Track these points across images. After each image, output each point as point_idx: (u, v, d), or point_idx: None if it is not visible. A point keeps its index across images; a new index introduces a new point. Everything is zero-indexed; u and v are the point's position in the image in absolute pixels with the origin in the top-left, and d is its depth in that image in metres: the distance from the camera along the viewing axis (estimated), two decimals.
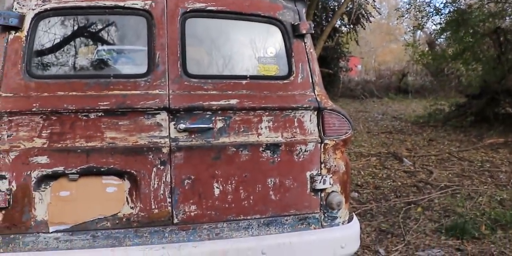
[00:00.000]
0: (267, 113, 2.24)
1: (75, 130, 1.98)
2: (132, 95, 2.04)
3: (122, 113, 2.03)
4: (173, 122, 2.09)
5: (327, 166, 2.34)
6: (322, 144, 2.32)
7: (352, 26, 12.21)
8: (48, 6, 1.99)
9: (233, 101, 2.17)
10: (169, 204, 2.09)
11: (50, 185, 1.99)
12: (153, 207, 2.07)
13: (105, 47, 2.14)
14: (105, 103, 2.00)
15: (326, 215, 2.34)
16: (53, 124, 1.96)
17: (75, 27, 2.08)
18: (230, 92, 2.19)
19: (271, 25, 2.30)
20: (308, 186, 2.30)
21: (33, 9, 1.97)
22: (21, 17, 1.94)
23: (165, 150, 2.07)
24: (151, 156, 2.06)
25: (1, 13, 1.90)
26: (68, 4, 2.01)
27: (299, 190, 2.30)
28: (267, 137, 2.23)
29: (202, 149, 2.13)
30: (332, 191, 2.36)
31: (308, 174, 2.31)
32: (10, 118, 1.92)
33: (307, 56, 2.34)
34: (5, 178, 1.91)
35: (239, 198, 2.19)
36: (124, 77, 2.08)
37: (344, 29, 12.75)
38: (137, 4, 2.08)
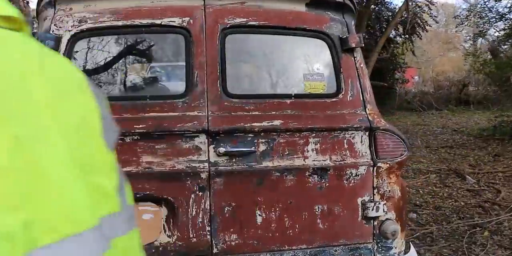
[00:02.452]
0: (313, 135, 2.04)
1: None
2: (169, 117, 1.93)
3: (159, 136, 1.92)
4: (212, 146, 1.95)
5: (380, 192, 2.09)
6: (375, 168, 2.08)
7: (407, 36, 11.68)
8: (84, 26, 1.93)
9: (277, 122, 2.00)
10: (208, 233, 1.94)
11: None
12: (191, 236, 1.93)
13: (143, 67, 2.06)
14: (141, 126, 1.90)
15: (379, 245, 2.09)
16: None
17: (111, 48, 2.02)
18: (273, 113, 2.01)
19: (317, 39, 2.11)
20: (360, 214, 2.07)
21: (69, 31, 1.93)
22: (58, 39, 1.90)
23: (203, 176, 1.93)
24: (189, 182, 1.93)
25: (39, 35, 1.88)
26: (104, 24, 1.94)
27: (349, 218, 2.06)
28: (314, 160, 2.03)
29: (244, 174, 1.97)
30: (387, 219, 2.10)
31: (359, 200, 2.07)
32: None
33: (357, 71, 2.12)
34: None
35: (283, 226, 2.00)
36: (161, 98, 1.97)
37: (399, 39, 12.22)
38: (175, 21, 1.98)
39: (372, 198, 2.08)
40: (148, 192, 1.91)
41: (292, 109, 2.04)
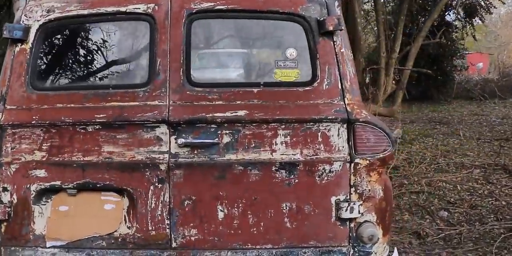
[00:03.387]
0: (283, 126, 1.86)
1: (73, 144, 1.86)
2: (130, 106, 1.85)
3: (119, 126, 1.85)
4: (173, 136, 1.85)
5: (358, 191, 1.87)
6: (352, 164, 1.86)
7: (468, 20, 10.69)
8: (52, 16, 1.89)
9: (242, 113, 1.84)
10: (167, 226, 1.85)
11: (51, 199, 1.90)
12: (150, 228, 1.85)
13: (107, 56, 1.98)
14: (101, 115, 1.84)
15: (356, 249, 1.88)
16: (53, 137, 1.86)
17: (77, 37, 1.97)
18: (238, 102, 1.86)
19: (292, 22, 1.91)
20: (333, 214, 1.87)
21: (38, 21, 1.90)
22: (26, 29, 1.88)
23: (163, 167, 1.84)
24: (148, 173, 1.84)
25: (6, 26, 1.86)
26: (71, 13, 1.89)
27: (321, 218, 1.87)
28: (282, 154, 1.86)
29: (205, 166, 1.85)
30: (365, 221, 1.88)
31: (333, 199, 1.87)
32: (14, 131, 1.86)
33: (336, 57, 1.90)
34: (7, 190, 1.86)
35: (247, 224, 1.86)
36: (123, 87, 1.89)
37: (458, 23, 11.22)
38: (140, 8, 1.88)
39: (348, 198, 1.87)
40: (107, 183, 1.86)
41: (260, 99, 1.87)
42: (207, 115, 1.84)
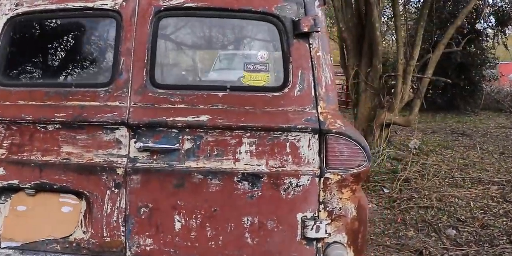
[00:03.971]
0: (248, 134, 1.71)
1: (33, 142, 1.78)
2: (90, 106, 1.75)
3: (79, 126, 1.75)
4: (133, 140, 1.73)
5: (327, 208, 1.70)
6: (322, 179, 1.69)
7: (500, 28, 10.14)
8: (20, 10, 1.82)
9: (204, 118, 1.71)
10: (122, 234, 1.74)
11: (11, 198, 1.82)
12: (105, 234, 1.75)
13: (72, 53, 1.89)
14: (61, 114, 1.75)
15: None
16: (13, 134, 1.79)
17: (44, 33, 1.88)
18: (201, 107, 1.73)
19: (265, 22, 1.76)
20: (299, 232, 1.70)
21: (6, 14, 1.83)
22: None
23: (120, 171, 1.73)
24: (105, 177, 1.74)
25: None
26: (39, 7, 1.81)
27: (285, 235, 1.71)
28: (246, 164, 1.71)
29: (163, 173, 1.72)
30: (334, 242, 1.70)
31: (299, 216, 1.70)
32: None
33: (311, 61, 1.74)
34: None
35: (205, 236, 1.72)
36: (85, 86, 1.80)
37: (490, 31, 10.66)
38: (107, 4, 1.78)
39: (316, 215, 1.70)
40: (64, 184, 1.76)
41: (224, 103, 1.73)
42: (168, 119, 1.71)
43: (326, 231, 1.69)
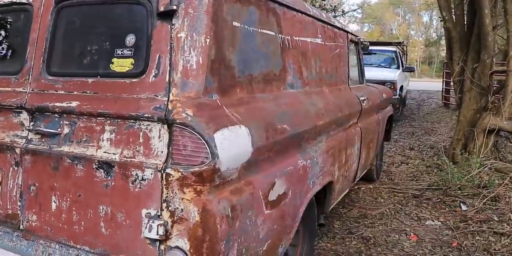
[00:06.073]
0: (109, 122, 1.62)
1: None
2: (4, 91, 1.92)
3: None
4: (32, 123, 1.83)
5: (170, 208, 1.49)
6: (164, 174, 1.48)
7: None
8: None
9: (74, 104, 1.69)
10: (18, 208, 1.85)
11: None
12: (8, 207, 1.89)
13: (3, 44, 2.06)
14: None
15: None
16: None
17: None
18: (75, 93, 1.71)
19: (137, 5, 1.62)
20: (143, 230, 1.53)
21: None
22: None
23: (18, 151, 1.84)
24: (9, 155, 1.88)
25: None
26: None
27: (131, 231, 1.57)
28: (105, 152, 1.63)
29: (43, 155, 1.77)
30: (176, 247, 1.48)
31: (143, 212, 1.54)
32: None
33: (171, 44, 1.53)
34: None
35: (71, 220, 1.71)
36: (3, 73, 1.96)
37: None
38: None
39: (159, 214, 1.50)
40: None
41: (92, 90, 1.67)
42: (50, 104, 1.75)
43: (167, 232, 1.48)
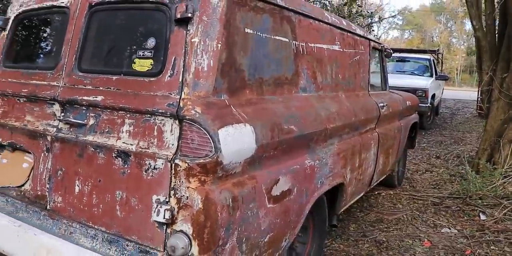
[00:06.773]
0: (128, 115, 1.79)
1: (11, 110, 2.25)
2: (42, 85, 2.12)
3: (34, 100, 2.15)
4: (63, 114, 2.03)
5: (177, 195, 1.63)
6: (173, 164, 1.62)
7: None
8: (21, 9, 2.35)
9: (99, 98, 1.87)
10: (47, 190, 2.05)
11: (2, 152, 2.35)
12: (38, 188, 2.09)
13: (42, 43, 2.29)
14: (24, 90, 2.18)
15: None
16: (2, 104, 2.30)
17: (31, 27, 2.34)
18: (100, 88, 1.89)
19: (158, 11, 1.78)
20: (153, 214, 1.68)
21: (14, 13, 2.38)
22: (6, 20, 2.39)
23: (49, 138, 2.04)
24: (41, 142, 2.08)
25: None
26: (30, 7, 2.31)
27: (142, 214, 1.72)
28: (123, 142, 1.79)
29: (70, 143, 1.96)
30: (180, 231, 1.62)
31: (154, 198, 1.69)
32: None
33: (185, 48, 1.68)
34: None
35: (91, 203, 1.88)
36: (42, 69, 2.18)
37: None
38: (63, 2, 2.12)
39: (167, 200, 1.64)
40: (22, 145, 2.18)
41: (115, 86, 1.84)
42: (79, 98, 1.93)
43: (173, 217, 1.62)
